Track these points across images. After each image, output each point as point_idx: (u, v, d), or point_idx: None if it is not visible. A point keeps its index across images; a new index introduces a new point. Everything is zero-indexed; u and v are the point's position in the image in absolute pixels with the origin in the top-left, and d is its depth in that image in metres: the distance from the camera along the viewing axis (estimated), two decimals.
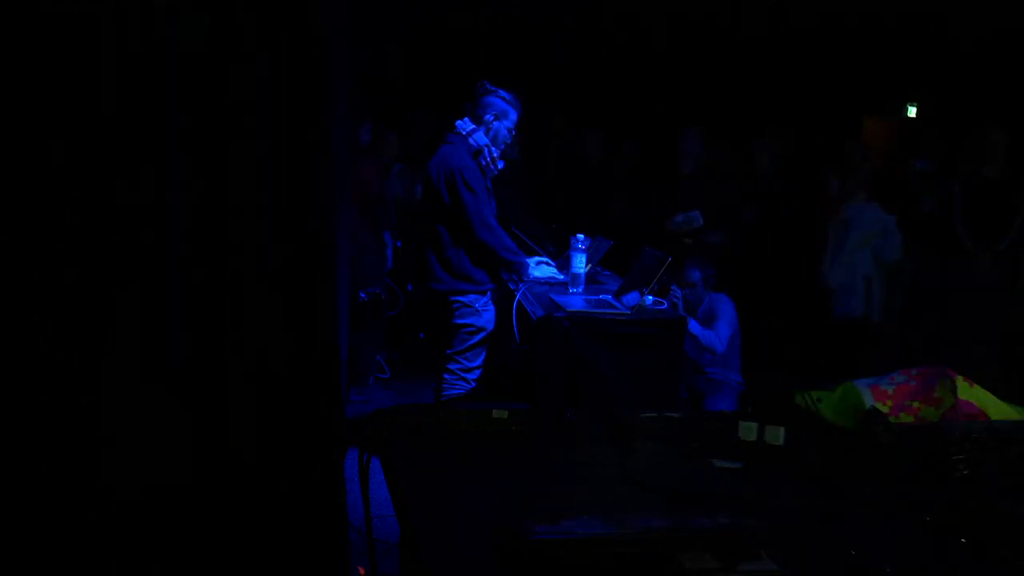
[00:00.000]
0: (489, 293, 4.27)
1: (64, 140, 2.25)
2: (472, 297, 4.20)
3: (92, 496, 2.33)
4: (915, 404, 2.65)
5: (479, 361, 4.26)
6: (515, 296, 4.16)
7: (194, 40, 2.33)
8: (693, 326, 4.49)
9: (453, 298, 4.20)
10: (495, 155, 4.22)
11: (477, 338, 4.22)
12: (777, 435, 2.25)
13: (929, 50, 7.39)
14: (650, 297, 4.11)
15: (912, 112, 8.85)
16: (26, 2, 2.20)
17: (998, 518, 1.98)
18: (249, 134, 2.39)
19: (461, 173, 4.11)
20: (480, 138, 4.20)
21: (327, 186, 2.50)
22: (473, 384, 4.24)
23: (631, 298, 4.09)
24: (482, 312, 4.23)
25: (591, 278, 4.57)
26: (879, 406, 2.56)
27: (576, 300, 4.19)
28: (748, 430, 2.27)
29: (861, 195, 6.12)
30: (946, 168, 6.03)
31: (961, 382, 2.72)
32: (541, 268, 4.66)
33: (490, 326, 4.25)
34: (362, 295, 5.81)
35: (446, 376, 4.26)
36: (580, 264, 4.38)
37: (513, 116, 4.27)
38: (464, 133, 4.22)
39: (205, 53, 2.34)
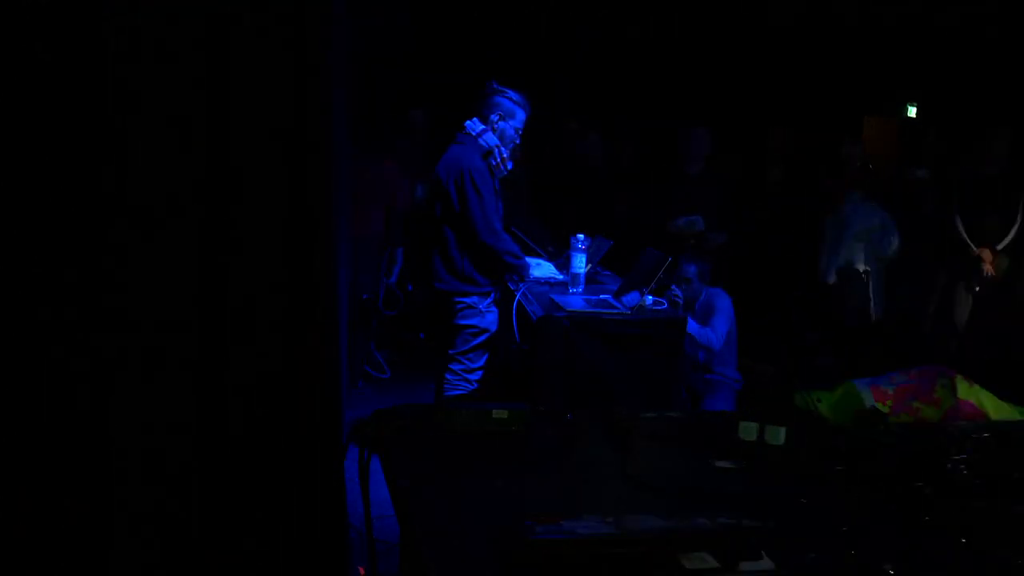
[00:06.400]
0: (492, 295, 4.27)
1: (64, 138, 2.26)
2: (476, 298, 4.20)
3: (94, 494, 2.33)
4: (915, 404, 2.65)
5: (482, 362, 4.26)
6: (515, 296, 4.16)
7: (192, 36, 2.33)
8: (689, 324, 4.49)
9: (457, 299, 4.20)
10: (505, 156, 4.22)
11: (480, 339, 4.23)
12: (777, 435, 2.25)
13: (929, 50, 7.40)
14: (650, 297, 4.11)
15: (912, 112, 8.86)
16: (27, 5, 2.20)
17: (998, 518, 1.98)
18: (251, 135, 2.40)
19: (470, 175, 4.11)
20: (490, 139, 4.20)
21: (329, 187, 2.51)
22: (475, 385, 4.24)
23: (631, 298, 4.09)
24: (486, 313, 4.23)
25: (591, 278, 4.57)
26: (879, 406, 2.56)
27: (576, 300, 4.19)
28: (748, 430, 2.27)
29: (857, 193, 6.13)
30: (946, 169, 6.05)
31: (961, 382, 2.72)
32: (541, 267, 4.66)
33: (493, 327, 4.26)
34: (364, 296, 5.83)
35: (448, 376, 4.26)
36: (580, 264, 4.38)
37: (521, 116, 4.27)
38: (474, 134, 4.22)
39: (203, 48, 2.34)
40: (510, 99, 4.24)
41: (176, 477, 2.41)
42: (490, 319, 4.25)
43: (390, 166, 6.02)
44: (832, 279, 6.07)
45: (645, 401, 3.65)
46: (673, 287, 4.56)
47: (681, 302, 4.58)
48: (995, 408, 2.70)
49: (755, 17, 7.73)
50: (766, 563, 1.65)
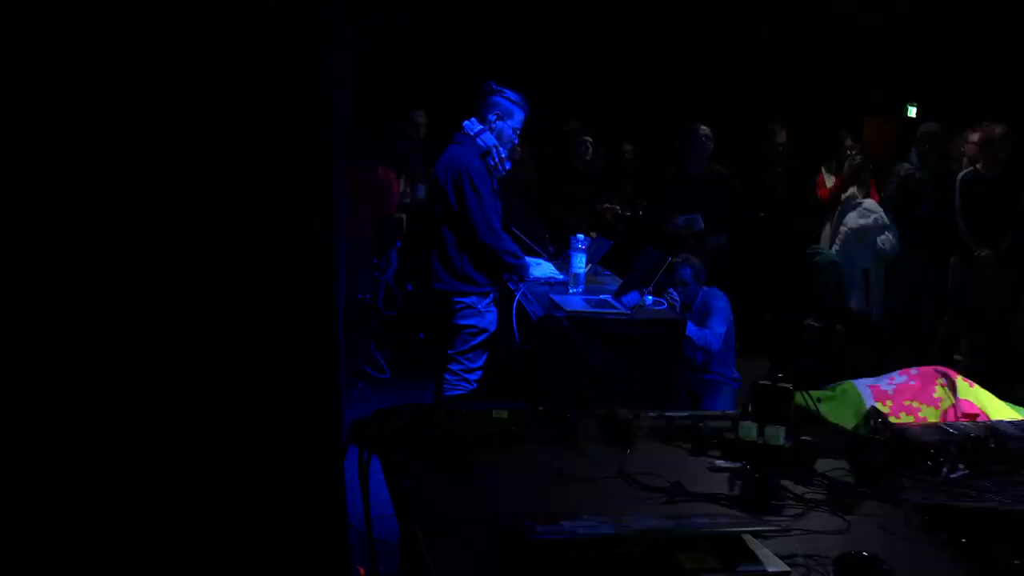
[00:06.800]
0: (491, 295, 4.27)
1: (66, 140, 2.26)
2: (475, 298, 4.20)
3: (94, 494, 2.33)
4: (915, 404, 2.65)
5: (481, 362, 4.26)
6: (515, 296, 4.16)
7: (193, 36, 2.33)
8: (688, 327, 4.49)
9: (456, 299, 4.20)
10: (503, 156, 4.22)
11: (479, 339, 4.22)
12: (777, 435, 2.25)
13: (929, 50, 7.40)
14: (650, 297, 4.11)
15: (912, 112, 8.86)
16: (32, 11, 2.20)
17: (998, 518, 1.98)
18: (252, 136, 2.40)
19: (468, 175, 4.11)
20: (488, 139, 4.20)
21: (329, 188, 2.51)
22: (475, 385, 4.24)
23: (631, 298, 4.08)
24: (485, 313, 4.23)
25: (591, 278, 4.57)
26: (879, 406, 2.56)
27: (576, 300, 4.19)
28: (748, 430, 2.27)
29: (858, 192, 6.14)
30: (945, 169, 6.05)
31: (961, 382, 2.72)
32: (541, 267, 4.66)
33: (492, 327, 4.25)
34: (360, 296, 5.83)
35: (448, 376, 4.26)
36: (580, 264, 4.38)
37: (519, 116, 4.26)
38: (472, 134, 4.22)
39: (204, 48, 2.34)
40: (508, 99, 4.24)
41: (176, 477, 2.41)
42: (489, 319, 4.25)
43: (383, 168, 6.01)
44: (832, 279, 6.07)
45: (645, 401, 3.65)
46: (670, 290, 4.56)
47: (679, 305, 4.58)
48: (995, 408, 2.70)
49: (755, 17, 7.73)
50: (766, 563, 1.66)
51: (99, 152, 2.28)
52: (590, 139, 7.10)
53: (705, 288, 4.88)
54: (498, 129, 4.23)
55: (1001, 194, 5.65)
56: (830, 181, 7.11)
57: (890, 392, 2.67)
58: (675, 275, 4.74)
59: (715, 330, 4.69)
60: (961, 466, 2.25)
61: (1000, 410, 2.70)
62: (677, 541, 1.68)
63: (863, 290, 6.08)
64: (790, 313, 6.07)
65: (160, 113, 2.32)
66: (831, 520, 1.95)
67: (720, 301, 4.83)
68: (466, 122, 4.27)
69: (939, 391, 2.68)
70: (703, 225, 5.84)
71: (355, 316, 5.75)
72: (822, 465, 2.24)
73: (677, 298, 4.59)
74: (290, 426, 2.49)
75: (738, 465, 2.22)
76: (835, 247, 6.19)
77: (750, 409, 2.29)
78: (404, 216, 6.24)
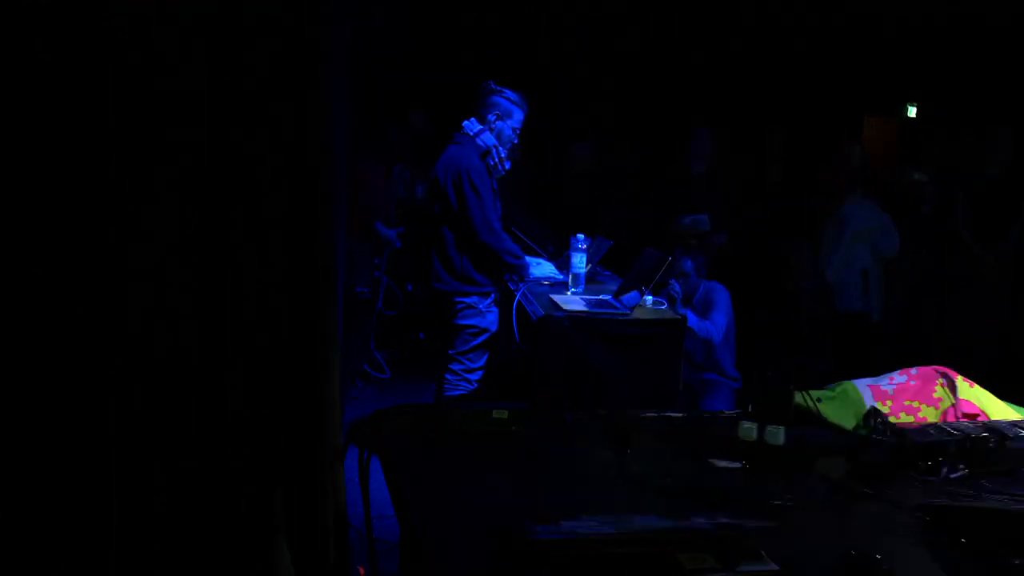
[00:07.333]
0: (492, 295, 4.27)
1: (67, 140, 2.26)
2: (476, 298, 4.20)
3: (94, 494, 2.33)
4: (915, 404, 2.65)
5: (482, 362, 4.26)
6: (515, 296, 4.16)
7: (193, 37, 2.33)
8: (689, 318, 4.50)
9: (457, 299, 4.20)
10: (503, 155, 4.22)
11: (480, 339, 4.23)
12: (777, 435, 2.25)
13: (929, 50, 7.40)
14: (650, 297, 4.11)
15: (912, 112, 8.85)
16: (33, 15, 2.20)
17: (998, 518, 1.98)
18: (252, 136, 2.40)
19: (468, 175, 4.12)
20: (488, 139, 4.20)
21: (329, 189, 2.51)
22: (475, 385, 4.25)
23: (631, 298, 4.09)
24: (486, 313, 4.23)
25: (591, 278, 4.57)
26: (879, 406, 2.57)
27: (576, 300, 4.19)
28: (748, 430, 2.27)
29: (857, 193, 6.13)
30: (945, 170, 6.05)
31: (961, 382, 2.72)
32: (541, 267, 4.67)
33: (493, 327, 4.26)
34: (359, 290, 5.83)
35: (448, 376, 4.26)
36: (580, 264, 4.39)
37: (519, 116, 4.27)
38: (472, 134, 4.22)
39: (204, 47, 2.34)
40: (508, 99, 4.25)
41: (175, 477, 2.41)
42: (491, 319, 4.25)
43: (367, 163, 6.00)
44: (831, 279, 6.07)
45: (645, 401, 3.65)
46: (672, 282, 4.57)
47: (679, 296, 4.59)
48: (995, 408, 2.70)
49: (755, 17, 7.73)
50: (766, 563, 1.66)
51: (99, 152, 2.27)
52: (597, 138, 7.10)
53: (706, 282, 4.90)
54: (498, 129, 4.23)
55: (1001, 194, 5.66)
56: (827, 182, 7.10)
57: (890, 392, 2.67)
58: (676, 266, 4.75)
59: (716, 322, 4.70)
60: (961, 466, 2.25)
61: (1000, 410, 2.70)
62: (677, 541, 1.68)
63: (863, 290, 6.07)
64: (789, 313, 6.06)
65: (159, 113, 2.32)
66: (831, 520, 1.95)
67: (721, 295, 4.85)
68: (466, 122, 4.27)
69: (939, 391, 2.68)
70: (709, 226, 5.85)
71: (354, 314, 5.75)
72: (822, 465, 2.24)
73: (678, 289, 4.59)
74: (290, 426, 2.49)
75: (738, 465, 2.22)
76: (834, 247, 6.18)
77: (750, 409, 2.30)
78: (392, 206, 6.25)
